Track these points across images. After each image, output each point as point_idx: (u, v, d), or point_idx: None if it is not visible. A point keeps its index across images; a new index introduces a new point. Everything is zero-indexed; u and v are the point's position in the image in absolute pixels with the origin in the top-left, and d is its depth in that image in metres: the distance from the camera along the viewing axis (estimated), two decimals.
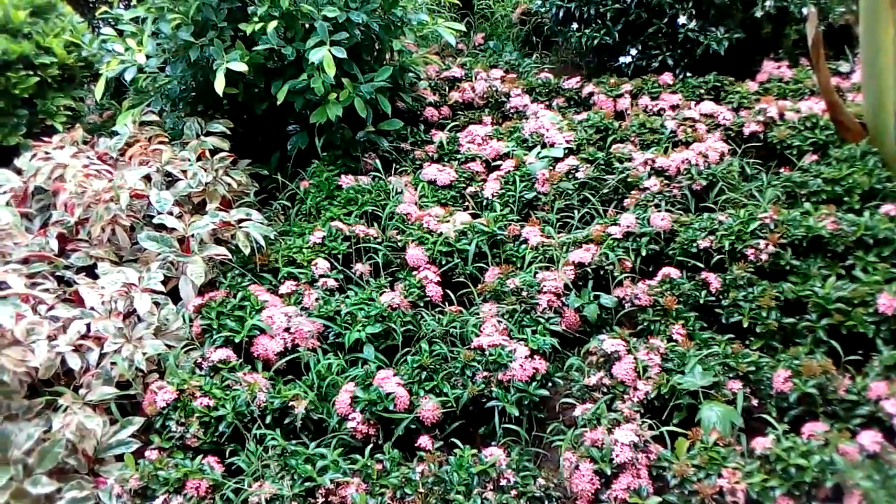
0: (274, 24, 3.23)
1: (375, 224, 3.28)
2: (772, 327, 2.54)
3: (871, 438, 2.05)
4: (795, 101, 3.84)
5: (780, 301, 2.60)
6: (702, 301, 2.70)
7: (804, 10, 4.13)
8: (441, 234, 3.06)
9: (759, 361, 2.38)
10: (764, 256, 2.72)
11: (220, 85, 3.14)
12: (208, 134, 3.50)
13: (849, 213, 2.87)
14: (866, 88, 3.30)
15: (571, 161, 3.45)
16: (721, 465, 2.06)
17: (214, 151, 3.41)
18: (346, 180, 3.49)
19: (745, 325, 2.58)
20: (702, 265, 2.82)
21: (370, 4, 3.44)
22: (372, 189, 3.42)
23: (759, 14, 4.13)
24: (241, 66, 3.18)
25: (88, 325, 2.58)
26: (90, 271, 2.87)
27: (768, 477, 2.03)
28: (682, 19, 4.12)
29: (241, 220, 3.02)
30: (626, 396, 2.35)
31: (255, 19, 3.27)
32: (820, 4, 4.33)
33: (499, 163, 3.64)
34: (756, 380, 2.36)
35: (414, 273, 2.99)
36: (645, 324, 2.68)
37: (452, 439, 2.37)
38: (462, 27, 4.02)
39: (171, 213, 2.94)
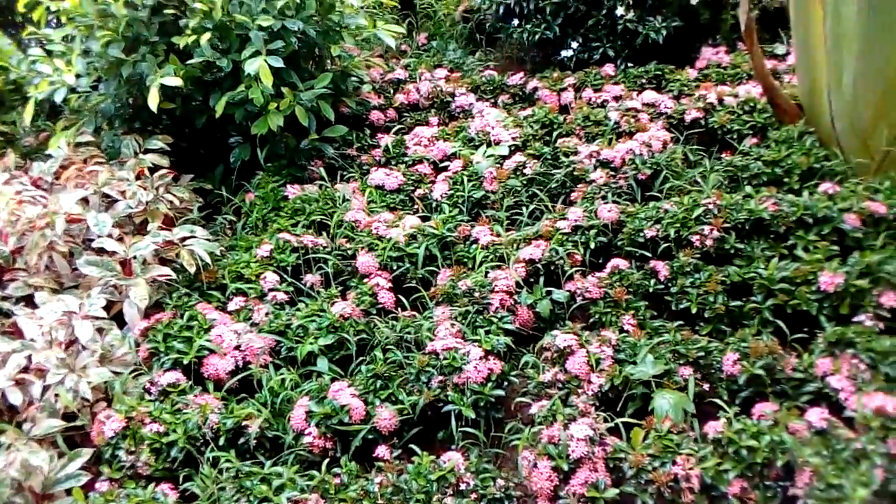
0: (207, 35, 3.16)
1: (324, 233, 3.24)
2: (719, 311, 2.57)
3: (818, 415, 2.09)
4: (734, 85, 3.90)
5: (727, 285, 2.63)
6: (651, 290, 2.72)
7: None
8: (391, 239, 3.04)
9: (708, 346, 2.41)
10: (709, 242, 2.75)
11: (153, 101, 3.06)
12: (147, 151, 3.42)
13: (789, 194, 2.92)
14: (800, 70, 3.37)
15: (518, 157, 3.46)
16: (675, 453, 2.07)
17: (154, 169, 3.33)
18: (292, 190, 3.44)
19: (694, 310, 2.61)
20: (650, 254, 2.84)
21: (306, 11, 3.39)
22: (319, 198, 3.38)
23: (694, 1, 4.19)
24: (175, 81, 3.11)
25: (30, 357, 2.50)
26: (30, 301, 2.79)
27: (721, 460, 2.05)
28: (619, 10, 4.16)
29: (184, 238, 2.95)
30: (580, 390, 2.36)
31: (188, 32, 3.20)
32: None
33: (446, 163, 3.62)
34: (706, 364, 2.38)
35: (365, 280, 2.96)
36: (597, 316, 2.69)
37: (411, 446, 2.35)
38: (402, 29, 4.00)
39: (110, 236, 2.86)
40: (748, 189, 3.00)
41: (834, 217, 2.73)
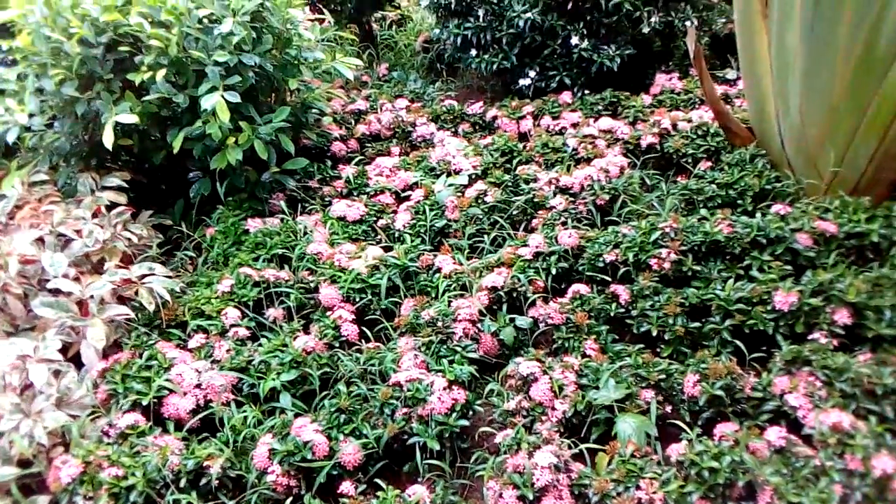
0: (163, 72, 3.15)
1: (286, 266, 3.21)
2: (679, 333, 2.61)
3: (777, 434, 2.12)
4: (687, 111, 4.00)
5: (686, 307, 2.67)
6: (612, 314, 2.75)
7: (688, 24, 4.33)
8: (353, 270, 3.03)
9: (669, 369, 2.43)
10: (667, 265, 2.79)
11: (108, 139, 3.03)
12: (104, 189, 3.38)
13: (743, 216, 2.99)
14: (749, 95, 3.47)
15: (479, 186, 3.49)
16: (639, 476, 2.08)
17: (112, 206, 3.28)
18: (253, 224, 3.42)
19: (655, 333, 2.64)
20: (610, 278, 2.88)
21: (262, 46, 3.40)
22: (280, 231, 3.36)
23: (646, 30, 4.30)
24: (130, 118, 3.09)
25: None
26: None
27: (685, 483, 2.06)
28: (574, 40, 4.25)
29: (143, 276, 2.91)
30: (544, 418, 2.36)
31: (144, 68, 3.18)
32: (703, 17, 4.55)
33: (408, 193, 3.64)
34: (667, 387, 2.41)
35: (328, 313, 2.94)
36: (560, 342, 2.71)
37: (377, 480, 2.32)
38: (360, 62, 4.04)
39: (66, 276, 2.81)
40: (703, 212, 3.07)
41: (787, 237, 2.80)
